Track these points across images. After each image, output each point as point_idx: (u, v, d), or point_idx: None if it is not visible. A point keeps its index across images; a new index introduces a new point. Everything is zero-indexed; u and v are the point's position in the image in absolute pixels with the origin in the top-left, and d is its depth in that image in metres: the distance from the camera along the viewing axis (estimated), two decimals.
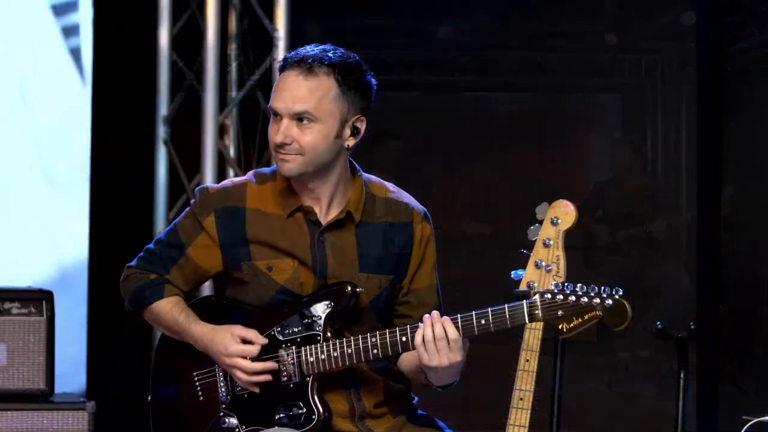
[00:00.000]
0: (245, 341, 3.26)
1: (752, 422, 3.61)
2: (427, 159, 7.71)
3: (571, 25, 7.54)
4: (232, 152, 5.88)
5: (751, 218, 5.09)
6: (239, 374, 3.27)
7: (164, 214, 5.84)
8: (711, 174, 5.06)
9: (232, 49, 5.89)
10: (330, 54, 3.24)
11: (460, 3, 6.93)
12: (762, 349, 5.08)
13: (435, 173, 7.71)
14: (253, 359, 3.25)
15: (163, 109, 5.82)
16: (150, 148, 5.84)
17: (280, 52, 5.68)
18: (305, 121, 3.21)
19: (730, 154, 5.07)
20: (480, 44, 7.81)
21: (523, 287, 3.10)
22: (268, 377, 3.25)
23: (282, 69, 3.24)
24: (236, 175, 5.84)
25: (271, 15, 5.72)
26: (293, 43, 5.70)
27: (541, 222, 3.12)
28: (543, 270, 3.09)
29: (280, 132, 3.21)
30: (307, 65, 3.21)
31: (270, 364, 3.25)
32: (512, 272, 3.13)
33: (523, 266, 3.12)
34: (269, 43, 5.72)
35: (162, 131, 5.82)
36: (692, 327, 3.09)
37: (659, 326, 3.11)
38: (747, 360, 5.13)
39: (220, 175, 5.75)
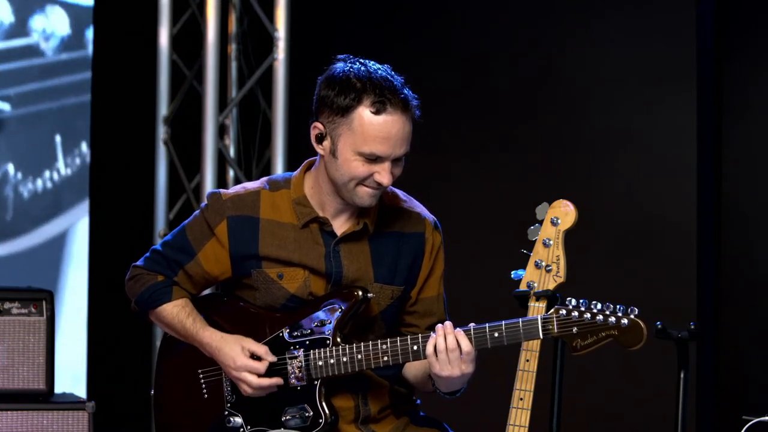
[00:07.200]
0: (254, 356, 3.26)
1: (752, 422, 3.60)
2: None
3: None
4: (232, 152, 5.88)
5: (751, 218, 5.09)
6: (244, 387, 3.27)
7: (164, 214, 5.84)
8: (711, 173, 5.06)
9: (232, 49, 5.89)
10: (407, 89, 3.20)
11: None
12: (762, 349, 5.08)
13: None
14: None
15: (163, 109, 5.82)
16: (150, 148, 5.84)
17: (280, 52, 5.68)
18: (401, 158, 3.22)
19: (731, 154, 5.07)
20: None
21: (523, 287, 3.10)
22: (273, 389, 3.26)
23: (379, 111, 3.15)
24: (236, 175, 5.84)
25: (271, 15, 5.72)
26: (293, 43, 5.70)
27: (541, 222, 3.12)
28: (543, 270, 3.09)
29: (387, 175, 3.18)
30: (405, 105, 3.17)
31: (277, 380, 3.25)
32: (512, 272, 3.13)
33: (523, 266, 3.12)
34: (269, 43, 5.72)
35: (162, 131, 5.82)
36: (692, 327, 3.08)
37: (659, 326, 3.10)
38: (747, 360, 5.14)
39: (220, 175, 5.75)
